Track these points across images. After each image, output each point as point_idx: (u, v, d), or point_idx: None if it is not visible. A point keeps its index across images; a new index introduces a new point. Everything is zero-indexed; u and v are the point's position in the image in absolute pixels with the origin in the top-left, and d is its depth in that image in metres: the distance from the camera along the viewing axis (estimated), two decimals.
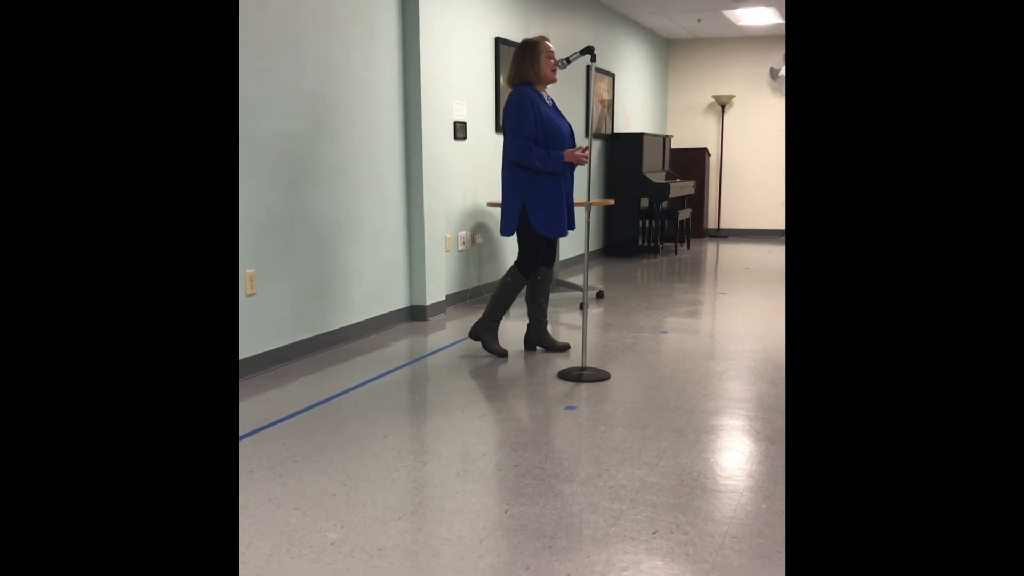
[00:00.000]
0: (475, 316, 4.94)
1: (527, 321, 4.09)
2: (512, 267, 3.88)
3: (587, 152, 3.70)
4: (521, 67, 3.75)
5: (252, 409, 3.14)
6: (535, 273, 3.89)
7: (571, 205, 3.87)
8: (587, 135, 7.48)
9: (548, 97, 3.83)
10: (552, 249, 3.96)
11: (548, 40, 3.75)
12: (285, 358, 3.85)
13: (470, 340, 4.25)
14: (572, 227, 3.91)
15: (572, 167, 3.81)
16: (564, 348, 4.06)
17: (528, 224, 3.74)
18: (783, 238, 9.79)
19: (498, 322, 3.94)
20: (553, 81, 3.78)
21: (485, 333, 3.94)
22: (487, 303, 3.95)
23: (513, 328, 4.61)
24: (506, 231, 3.80)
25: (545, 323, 4.03)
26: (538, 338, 4.04)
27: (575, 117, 7.32)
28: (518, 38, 6.11)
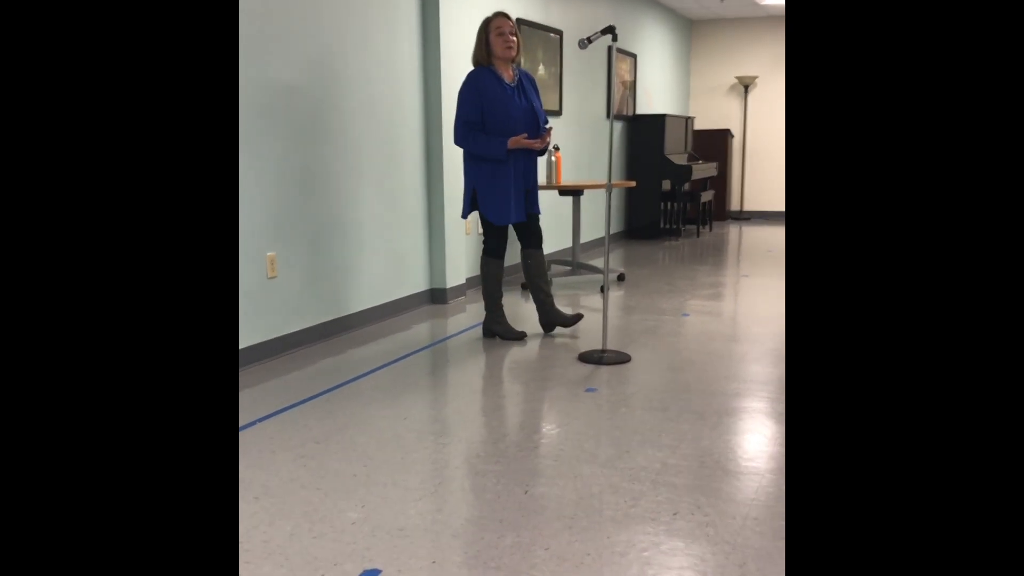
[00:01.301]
0: None
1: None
2: (481, 256, 3.90)
3: (542, 138, 3.67)
4: (475, 47, 3.71)
5: (274, 391, 3.16)
6: (501, 252, 3.88)
7: (531, 189, 3.83)
8: (608, 116, 7.42)
9: (516, 76, 3.74)
10: (533, 231, 3.91)
11: (505, 15, 3.67)
12: (306, 340, 3.87)
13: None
14: (533, 212, 3.87)
15: (531, 152, 3.76)
16: (577, 319, 4.03)
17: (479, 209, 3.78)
18: None
19: (499, 310, 3.95)
20: (508, 59, 3.68)
21: (494, 325, 3.96)
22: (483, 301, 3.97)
23: (531, 311, 4.60)
24: (462, 213, 3.84)
25: (551, 302, 4.00)
26: (548, 316, 4.03)
27: (597, 97, 7.27)
28: (539, 19, 6.06)
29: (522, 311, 4.61)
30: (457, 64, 4.81)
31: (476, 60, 3.71)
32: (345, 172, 4.07)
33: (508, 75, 3.72)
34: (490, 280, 3.90)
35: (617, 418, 2.79)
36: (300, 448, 2.55)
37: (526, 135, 3.68)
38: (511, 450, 2.51)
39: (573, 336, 3.99)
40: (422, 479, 2.30)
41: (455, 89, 4.79)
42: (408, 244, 4.66)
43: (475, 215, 5.28)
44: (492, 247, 3.86)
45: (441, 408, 2.93)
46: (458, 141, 3.69)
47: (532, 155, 3.81)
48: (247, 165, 3.45)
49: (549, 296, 4.00)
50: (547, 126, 3.80)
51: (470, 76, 3.67)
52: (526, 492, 2.20)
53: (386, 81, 4.35)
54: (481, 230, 3.94)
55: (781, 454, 2.45)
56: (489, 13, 5.36)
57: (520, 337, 3.94)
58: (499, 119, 3.64)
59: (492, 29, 3.66)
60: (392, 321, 4.41)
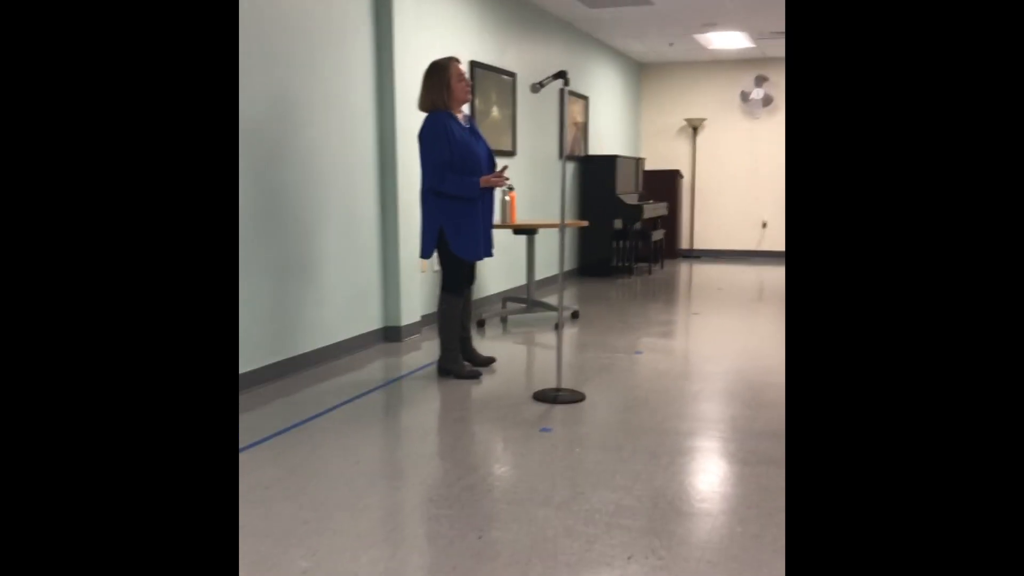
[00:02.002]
0: None
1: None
2: (440, 293, 3.91)
3: (503, 175, 3.78)
4: (433, 92, 3.74)
5: None
6: (463, 291, 3.91)
7: (488, 228, 3.91)
8: (561, 156, 7.54)
9: (466, 119, 3.84)
10: (471, 270, 3.99)
11: (458, 61, 3.77)
12: (257, 381, 3.80)
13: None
14: (489, 250, 3.94)
15: (491, 190, 3.87)
16: (489, 361, 4.16)
17: (448, 247, 3.78)
18: (755, 258, 9.89)
19: (456, 349, 3.95)
20: (467, 101, 3.81)
21: (450, 364, 3.95)
22: (439, 339, 3.97)
23: (486, 348, 4.59)
24: (424, 254, 3.84)
25: (468, 339, 4.11)
26: (464, 353, 4.09)
27: (549, 139, 7.37)
28: (493, 62, 6.15)
29: (479, 348, 4.59)
30: (412, 106, 4.84)
31: (433, 104, 3.73)
32: (299, 210, 4.04)
33: (461, 117, 3.80)
34: (450, 319, 3.89)
35: (571, 459, 2.78)
36: (249, 494, 2.49)
37: (496, 173, 3.80)
38: (465, 494, 2.48)
39: (490, 371, 4.00)
40: (374, 525, 2.26)
41: (409, 129, 4.81)
42: (362, 281, 4.62)
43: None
44: (455, 285, 3.86)
45: (394, 450, 2.89)
46: (433, 182, 3.70)
47: (491, 193, 3.89)
48: None
49: (468, 332, 4.10)
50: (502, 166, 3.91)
51: (436, 119, 3.68)
52: (480, 537, 2.17)
53: (341, 119, 4.35)
54: (437, 267, 3.94)
55: (733, 494, 2.47)
56: (441, 56, 5.42)
57: (475, 376, 3.93)
58: (468, 160, 3.71)
59: (454, 74, 3.72)
60: (346, 360, 4.36)
